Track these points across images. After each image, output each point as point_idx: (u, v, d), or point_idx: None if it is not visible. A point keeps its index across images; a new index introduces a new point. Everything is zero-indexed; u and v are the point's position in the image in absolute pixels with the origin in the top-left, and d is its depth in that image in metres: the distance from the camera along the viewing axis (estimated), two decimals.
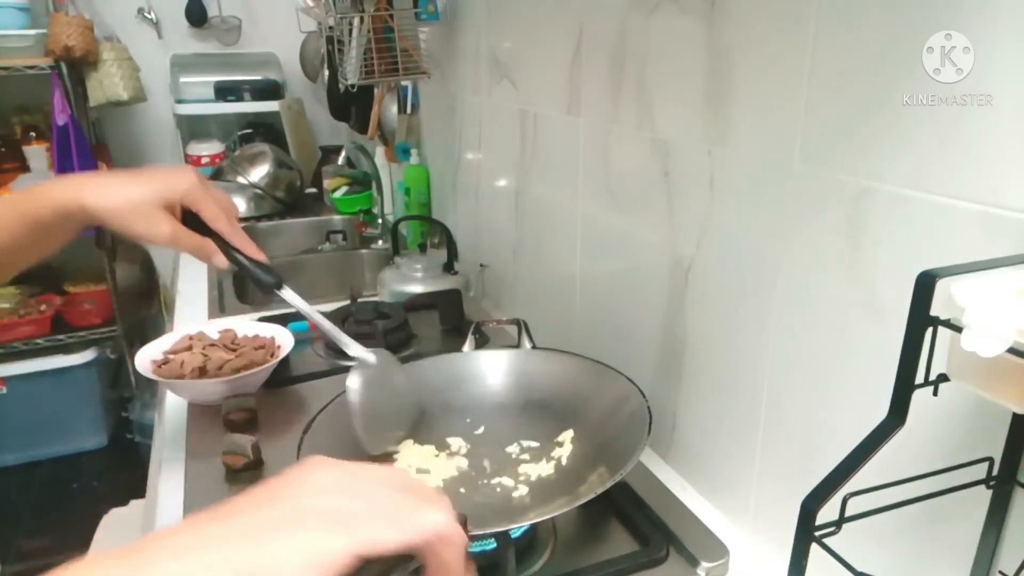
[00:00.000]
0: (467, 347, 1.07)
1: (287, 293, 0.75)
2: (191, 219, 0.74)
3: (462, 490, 0.77)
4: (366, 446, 0.75)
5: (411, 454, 0.81)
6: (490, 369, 0.91)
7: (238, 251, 0.75)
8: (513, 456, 0.82)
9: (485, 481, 0.78)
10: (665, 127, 0.84)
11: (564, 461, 0.79)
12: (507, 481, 0.78)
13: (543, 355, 0.90)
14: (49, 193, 0.69)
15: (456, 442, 0.84)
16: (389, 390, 0.80)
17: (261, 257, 0.76)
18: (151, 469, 1.07)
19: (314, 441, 0.75)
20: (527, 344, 1.07)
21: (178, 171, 0.74)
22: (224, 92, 2.63)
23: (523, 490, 0.76)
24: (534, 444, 0.83)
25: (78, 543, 1.71)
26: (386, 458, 0.76)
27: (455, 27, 1.48)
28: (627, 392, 0.79)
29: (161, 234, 0.71)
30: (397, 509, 0.36)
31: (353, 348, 0.80)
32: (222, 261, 0.75)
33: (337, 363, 1.20)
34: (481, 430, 0.86)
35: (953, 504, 0.49)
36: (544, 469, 0.79)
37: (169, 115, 2.74)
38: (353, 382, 0.76)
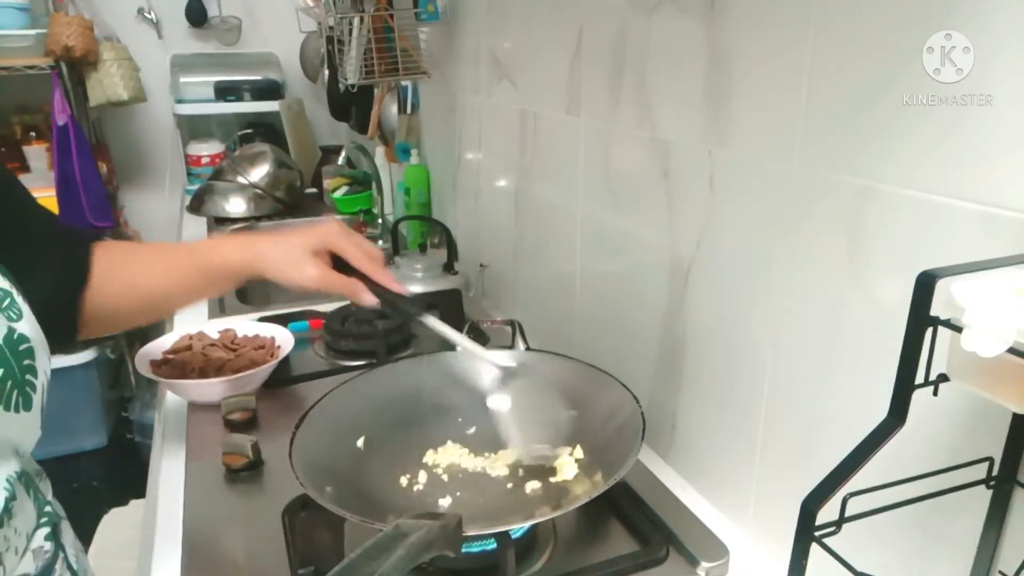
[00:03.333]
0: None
1: (429, 319, 0.79)
2: (340, 266, 0.80)
3: (458, 492, 0.77)
4: (523, 455, 0.77)
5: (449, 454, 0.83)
6: (483, 369, 0.90)
7: (381, 287, 0.79)
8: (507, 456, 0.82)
9: (481, 483, 0.79)
10: (665, 127, 0.84)
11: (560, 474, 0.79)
12: (505, 481, 0.78)
13: (537, 357, 0.90)
14: (223, 251, 0.80)
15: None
16: (541, 400, 0.80)
17: (403, 290, 0.81)
18: (151, 469, 1.07)
19: (307, 436, 0.74)
20: (521, 345, 1.06)
21: (323, 222, 0.82)
22: (224, 92, 2.63)
23: (522, 490, 0.76)
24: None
25: None
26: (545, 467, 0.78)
27: (455, 27, 1.48)
28: (622, 398, 0.78)
29: (311, 277, 0.77)
30: None
31: (500, 358, 0.82)
32: (370, 299, 0.79)
33: (337, 363, 1.20)
34: (472, 430, 0.86)
35: (953, 504, 0.49)
36: (539, 471, 0.79)
37: (169, 115, 2.74)
38: (503, 396, 0.78)
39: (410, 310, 0.80)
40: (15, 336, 0.57)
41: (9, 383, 0.56)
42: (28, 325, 0.59)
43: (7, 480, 0.57)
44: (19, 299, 0.59)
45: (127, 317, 0.80)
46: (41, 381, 0.60)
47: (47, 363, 0.61)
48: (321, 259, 0.79)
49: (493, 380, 0.80)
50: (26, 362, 0.58)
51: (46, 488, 0.66)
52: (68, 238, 0.75)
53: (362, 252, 0.80)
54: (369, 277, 0.80)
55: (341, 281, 0.79)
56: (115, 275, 0.76)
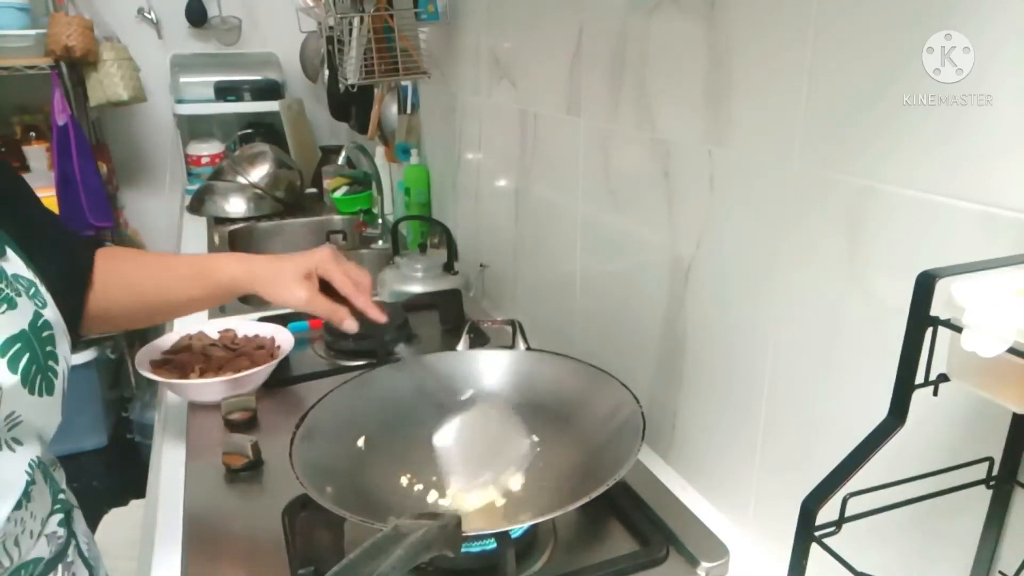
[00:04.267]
0: (461, 346, 1.06)
1: (401, 349, 0.84)
2: (330, 290, 0.84)
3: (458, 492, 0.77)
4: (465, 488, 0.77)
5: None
6: (484, 369, 0.90)
7: (362, 313, 0.84)
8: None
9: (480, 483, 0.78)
10: (665, 127, 0.84)
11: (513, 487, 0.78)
12: (504, 482, 0.78)
13: (538, 357, 0.90)
14: (226, 267, 0.84)
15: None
16: (488, 435, 0.82)
17: (381, 318, 0.85)
18: (151, 469, 1.07)
19: (306, 436, 0.74)
20: (521, 345, 1.06)
21: (317, 249, 0.86)
22: (224, 92, 2.63)
23: (520, 492, 0.76)
24: (532, 440, 0.83)
25: None
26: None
27: (455, 27, 1.48)
28: (621, 398, 0.78)
29: (299, 299, 0.81)
30: None
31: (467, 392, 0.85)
32: (352, 325, 0.83)
33: (337, 363, 1.20)
34: None
35: (953, 504, 0.49)
36: (536, 472, 0.79)
37: (169, 115, 2.74)
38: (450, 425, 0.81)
39: (384, 338, 0.85)
40: (40, 322, 0.60)
41: (34, 368, 0.58)
42: (52, 313, 0.62)
43: (29, 464, 0.59)
44: (42, 289, 0.62)
45: (125, 319, 0.84)
46: (62, 367, 0.62)
47: (67, 350, 0.64)
48: (311, 282, 0.83)
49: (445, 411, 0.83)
50: (48, 348, 0.60)
51: (60, 477, 0.68)
52: (72, 241, 0.77)
53: (349, 279, 0.84)
54: (351, 302, 0.84)
55: (326, 305, 0.83)
56: (117, 280, 0.79)
